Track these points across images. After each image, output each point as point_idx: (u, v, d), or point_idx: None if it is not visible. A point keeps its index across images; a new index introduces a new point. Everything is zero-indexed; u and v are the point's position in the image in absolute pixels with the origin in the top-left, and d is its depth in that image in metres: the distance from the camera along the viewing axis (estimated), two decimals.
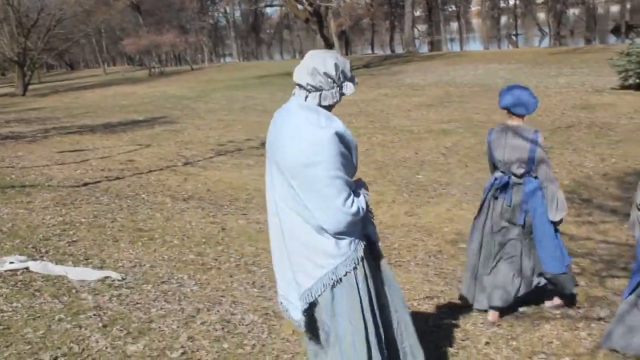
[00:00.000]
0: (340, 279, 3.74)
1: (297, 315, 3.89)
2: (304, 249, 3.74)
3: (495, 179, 5.77)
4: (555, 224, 5.78)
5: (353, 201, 3.69)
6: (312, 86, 3.71)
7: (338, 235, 3.69)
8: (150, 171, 14.07)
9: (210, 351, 5.74)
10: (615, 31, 56.78)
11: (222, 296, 7.01)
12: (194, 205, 10.93)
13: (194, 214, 10.40)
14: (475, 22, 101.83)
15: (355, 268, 3.78)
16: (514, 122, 5.67)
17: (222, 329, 6.18)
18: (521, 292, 5.88)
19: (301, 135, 3.63)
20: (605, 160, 12.14)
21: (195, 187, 12.34)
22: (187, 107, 27.06)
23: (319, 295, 3.77)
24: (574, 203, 9.85)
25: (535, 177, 5.63)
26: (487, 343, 5.67)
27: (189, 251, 8.54)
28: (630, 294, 5.16)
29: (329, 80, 3.69)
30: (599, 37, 58.93)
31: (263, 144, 16.35)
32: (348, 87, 3.77)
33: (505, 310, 6.04)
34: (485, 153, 6.20)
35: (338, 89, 3.73)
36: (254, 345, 5.84)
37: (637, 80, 20.22)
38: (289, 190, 3.72)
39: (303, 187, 3.65)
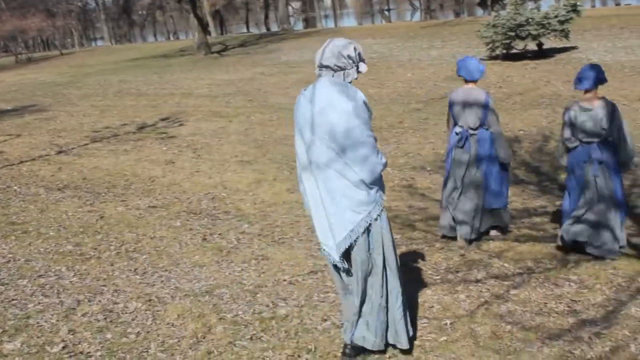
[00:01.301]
0: (374, 220, 4.63)
1: (337, 256, 4.65)
2: (344, 200, 4.53)
3: (457, 132, 6.95)
4: (502, 167, 7.05)
5: (381, 154, 4.64)
6: (338, 66, 4.51)
7: (371, 185, 4.57)
8: (21, 162, 13.49)
9: (92, 342, 5.59)
10: (482, 4, 58.67)
11: (103, 286, 6.83)
12: (69, 195, 10.57)
13: (70, 203, 10.06)
14: None
15: (382, 210, 4.71)
16: (469, 85, 6.93)
17: (105, 319, 6.03)
18: (482, 224, 7.19)
19: (338, 105, 4.43)
20: None
21: (70, 176, 11.93)
22: (58, 93, 26.05)
23: (357, 239, 4.59)
24: None
25: (487, 129, 6.89)
26: None
27: (67, 242, 8.27)
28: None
29: (350, 61, 4.52)
30: (467, 10, 60.78)
31: (140, 129, 16.05)
32: (362, 67, 4.62)
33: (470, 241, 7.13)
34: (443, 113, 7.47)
35: (356, 67, 4.57)
36: (138, 332, 5.73)
37: (504, 51, 21.02)
38: (328, 152, 4.48)
39: (343, 147, 4.44)
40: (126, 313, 6.13)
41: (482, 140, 6.91)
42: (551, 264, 6.64)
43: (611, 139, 6.36)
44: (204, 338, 5.55)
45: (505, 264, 6.67)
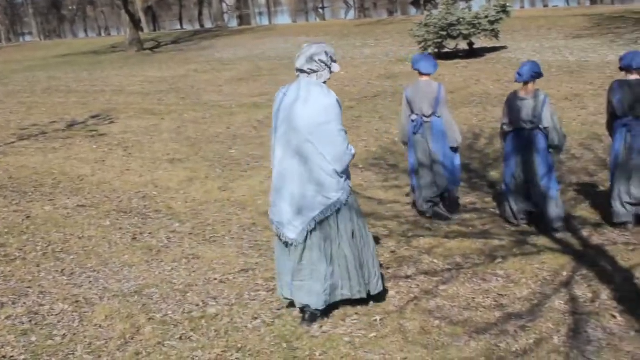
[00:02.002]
0: (343, 205, 5.29)
1: (292, 234, 5.27)
2: (317, 187, 5.19)
3: (412, 120, 7.78)
4: (454, 150, 7.84)
5: (351, 146, 5.32)
6: (312, 69, 5.23)
7: (341, 174, 5.23)
8: None
9: (16, 346, 5.45)
10: (415, 3, 59.34)
11: (28, 287, 6.66)
12: None
13: None
14: None
15: (350, 194, 5.36)
16: (423, 78, 7.72)
17: (30, 321, 5.89)
18: (438, 193, 7.95)
19: (316, 101, 5.14)
20: None
21: None
22: None
23: (328, 218, 5.26)
24: (382, 169, 10.27)
25: (439, 117, 7.68)
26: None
27: None
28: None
29: (322, 64, 5.22)
30: (400, 9, 61.40)
31: (69, 126, 15.69)
32: (335, 67, 5.32)
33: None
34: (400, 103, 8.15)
35: (328, 69, 5.28)
36: (64, 335, 5.61)
37: (436, 50, 21.31)
38: (306, 144, 5.13)
39: (320, 139, 5.12)
40: (52, 315, 6.00)
41: (435, 126, 7.73)
42: (479, 259, 6.76)
43: (542, 125, 7.20)
44: (132, 339, 5.47)
45: (435, 260, 6.77)
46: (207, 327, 5.60)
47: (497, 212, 8.07)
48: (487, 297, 5.93)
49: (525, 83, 7.24)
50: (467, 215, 8.08)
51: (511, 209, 7.56)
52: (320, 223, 5.28)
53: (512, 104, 7.33)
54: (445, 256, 6.86)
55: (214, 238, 7.83)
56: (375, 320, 5.55)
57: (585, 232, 7.36)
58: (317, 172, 5.18)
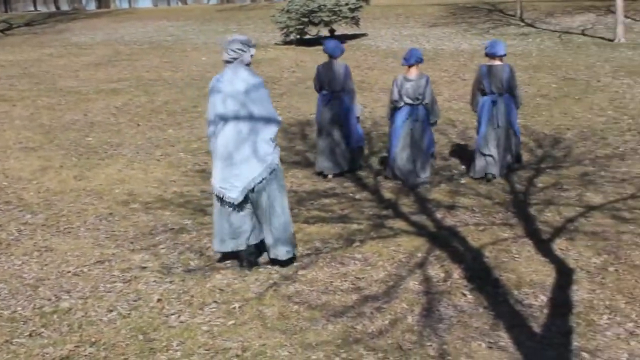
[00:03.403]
0: (275, 168, 6.04)
1: (234, 194, 5.97)
2: (252, 150, 5.93)
3: (324, 94, 9.02)
4: (357, 119, 9.12)
5: (278, 115, 6.22)
6: (233, 58, 6.02)
7: (272, 140, 6.04)
8: None
9: None
10: None
11: None
12: None
13: None
14: None
15: (279, 161, 6.12)
16: (332, 59, 8.98)
17: None
18: (335, 160, 9.09)
19: (248, 79, 6.02)
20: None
21: None
22: None
23: (262, 180, 5.98)
24: None
25: (346, 92, 8.95)
26: (159, 300, 5.69)
27: None
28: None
29: (240, 51, 6.02)
30: None
31: None
32: (252, 50, 6.12)
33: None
34: (312, 79, 9.51)
35: (248, 53, 6.06)
36: None
37: (298, 36, 21.43)
38: (246, 117, 5.93)
39: (258, 112, 5.96)
40: None
41: (342, 100, 8.97)
42: (338, 243, 6.87)
43: (425, 101, 8.50)
44: None
45: None
46: (59, 322, 5.39)
47: (356, 197, 8.24)
48: (345, 281, 6.04)
49: (410, 66, 8.51)
50: (326, 200, 8.19)
51: (392, 171, 8.78)
52: (258, 183, 6.00)
53: (400, 84, 8.52)
54: (305, 241, 6.92)
55: (68, 229, 7.54)
56: (234, 307, 5.53)
57: (439, 214, 7.64)
58: (254, 139, 5.94)
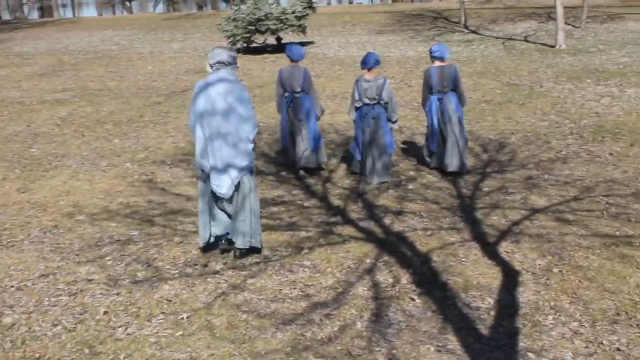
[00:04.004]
0: (252, 167, 6.65)
1: (224, 190, 6.52)
2: (235, 151, 6.50)
3: (285, 96, 9.47)
4: (316, 118, 9.54)
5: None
6: (220, 67, 6.61)
7: (251, 142, 6.59)
8: None
9: None
10: None
11: None
12: None
13: None
14: None
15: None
16: (293, 63, 9.55)
17: None
18: (304, 156, 9.40)
19: (234, 85, 6.58)
20: None
21: None
22: None
23: (244, 176, 6.54)
24: (190, 164, 10.12)
25: (307, 93, 9.46)
26: (105, 313, 5.61)
27: None
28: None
29: (228, 61, 6.63)
30: (210, 3, 60.95)
31: None
32: (236, 59, 6.76)
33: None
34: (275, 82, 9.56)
35: (234, 63, 6.69)
36: None
37: (245, 45, 21.37)
38: (232, 117, 6.48)
39: (243, 113, 6.52)
40: None
41: (303, 100, 9.42)
42: (286, 251, 6.87)
43: (383, 101, 9.04)
44: None
45: None
46: (1, 338, 5.27)
47: (304, 204, 8.25)
48: (294, 288, 6.03)
49: (369, 69, 9.06)
50: (275, 208, 8.17)
51: (360, 166, 9.25)
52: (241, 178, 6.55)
53: (360, 85, 9.09)
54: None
55: (11, 243, 7.39)
56: (182, 318, 5.48)
57: (387, 220, 7.69)
58: (237, 138, 6.50)
